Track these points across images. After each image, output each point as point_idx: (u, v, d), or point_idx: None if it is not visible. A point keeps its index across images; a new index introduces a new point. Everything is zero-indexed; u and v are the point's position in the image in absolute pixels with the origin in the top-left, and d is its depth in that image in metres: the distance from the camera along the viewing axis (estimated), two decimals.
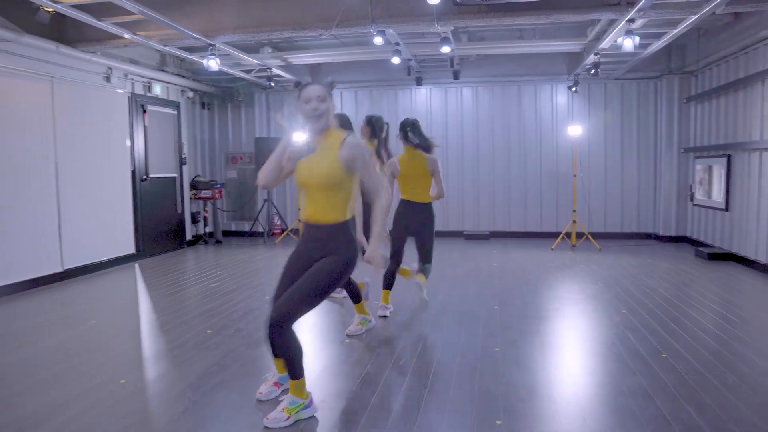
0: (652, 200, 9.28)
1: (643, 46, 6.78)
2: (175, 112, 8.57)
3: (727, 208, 7.48)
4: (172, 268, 7.07)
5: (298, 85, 2.88)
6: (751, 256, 6.79)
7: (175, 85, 8.55)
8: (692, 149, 8.56)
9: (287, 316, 2.65)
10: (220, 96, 9.87)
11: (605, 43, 6.39)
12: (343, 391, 3.18)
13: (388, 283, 4.68)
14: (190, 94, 8.90)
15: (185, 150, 8.80)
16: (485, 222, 9.74)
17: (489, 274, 6.46)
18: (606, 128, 9.28)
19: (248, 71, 8.51)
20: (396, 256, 4.64)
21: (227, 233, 9.89)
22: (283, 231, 9.80)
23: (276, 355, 2.87)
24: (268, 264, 7.31)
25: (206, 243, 9.13)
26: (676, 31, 5.83)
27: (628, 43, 5.33)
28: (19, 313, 4.97)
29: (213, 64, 6.20)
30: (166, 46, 6.35)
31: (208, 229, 9.40)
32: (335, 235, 2.75)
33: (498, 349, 3.84)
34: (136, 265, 7.19)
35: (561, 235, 8.69)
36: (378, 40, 5.94)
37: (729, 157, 7.41)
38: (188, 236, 8.91)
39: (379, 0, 5.42)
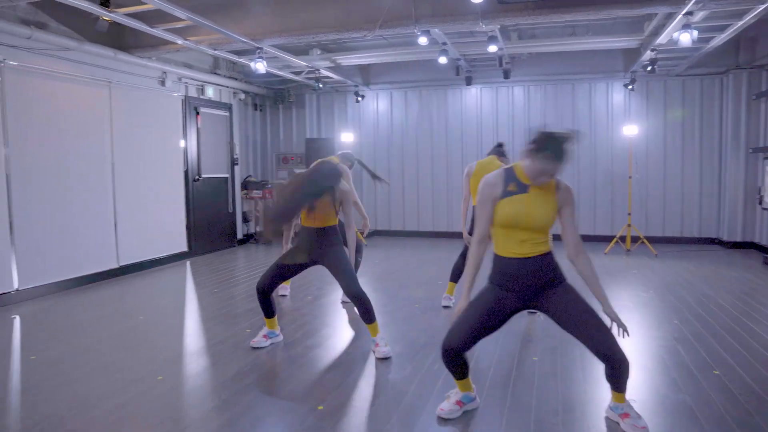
0: (715, 203, 8.76)
1: (704, 40, 6.41)
2: (227, 113, 8.81)
3: None
4: (221, 266, 7.26)
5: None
6: None
7: (227, 87, 8.78)
8: (762, 149, 8.02)
9: None
10: (271, 97, 10.07)
11: (662, 38, 6.07)
12: (363, 398, 3.16)
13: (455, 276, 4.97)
14: (242, 95, 9.12)
15: (237, 151, 9.02)
16: None
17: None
18: (666, 127, 8.84)
19: (297, 73, 8.62)
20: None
21: (276, 233, 10.07)
22: None
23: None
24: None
25: (257, 242, 9.33)
26: (741, 23, 5.46)
27: (686, 38, 5.04)
28: (77, 305, 5.23)
29: (260, 66, 6.31)
30: (215, 50, 6.51)
31: (258, 229, 9.60)
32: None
33: (536, 358, 3.72)
34: (188, 263, 7.44)
35: (615, 239, 8.35)
36: (423, 41, 5.88)
37: None
38: (239, 235, 9.13)
39: (423, 0, 5.35)
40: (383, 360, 3.68)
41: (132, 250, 6.70)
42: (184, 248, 7.71)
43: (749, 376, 3.38)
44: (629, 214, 8.25)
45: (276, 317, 4.00)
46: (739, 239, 8.42)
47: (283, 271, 3.84)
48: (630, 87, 8.46)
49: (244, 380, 3.35)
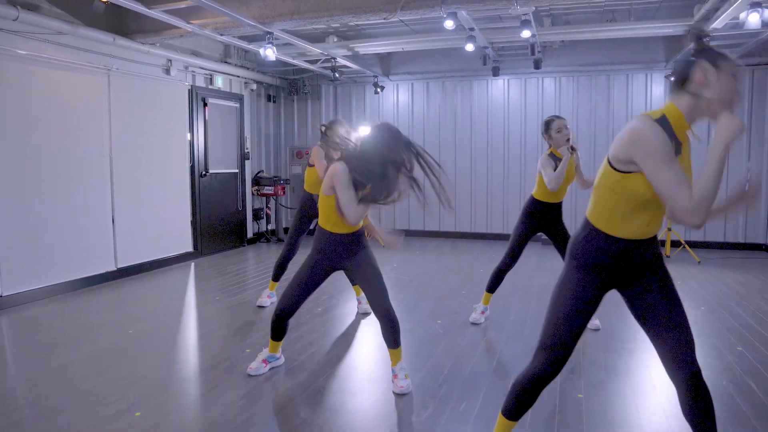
0: (764, 206, 8.04)
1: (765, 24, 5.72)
2: (238, 105, 8.31)
3: None
4: (228, 268, 6.78)
5: None
6: None
7: (239, 77, 8.28)
8: None
9: None
10: (286, 88, 9.55)
11: (719, 22, 5.40)
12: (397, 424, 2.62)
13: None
14: (254, 86, 8.61)
15: (248, 144, 8.53)
16: (568, 226, 8.83)
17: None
18: (709, 122, 8.10)
19: (313, 62, 8.10)
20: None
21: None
22: None
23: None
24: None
25: (268, 241, 8.85)
26: None
27: (754, 18, 4.39)
28: (63, 315, 4.77)
29: (270, 53, 5.79)
30: (222, 35, 5.99)
31: (270, 227, 9.12)
32: None
33: (581, 395, 3.14)
34: (192, 265, 6.97)
35: None
36: (449, 24, 5.30)
37: None
38: (249, 234, 8.66)
39: None
40: (402, 396, 3.14)
41: (131, 251, 6.24)
42: (190, 248, 7.24)
43: None
44: (669, 218, 7.57)
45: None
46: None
47: (309, 289, 3.26)
48: (672, 78, 7.75)
49: (236, 418, 2.83)
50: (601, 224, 1.99)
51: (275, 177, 9.01)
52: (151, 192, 6.55)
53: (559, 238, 4.26)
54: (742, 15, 4.54)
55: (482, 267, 6.77)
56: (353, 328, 4.45)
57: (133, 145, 6.28)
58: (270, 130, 9.63)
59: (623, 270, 2.02)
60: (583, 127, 8.55)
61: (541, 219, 4.25)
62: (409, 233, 9.46)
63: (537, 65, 7.89)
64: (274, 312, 3.30)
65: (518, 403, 2.18)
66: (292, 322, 4.36)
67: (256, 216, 8.84)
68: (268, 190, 8.76)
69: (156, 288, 5.84)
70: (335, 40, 7.69)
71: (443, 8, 4.91)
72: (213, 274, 6.47)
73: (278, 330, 3.35)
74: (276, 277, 4.92)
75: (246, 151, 8.44)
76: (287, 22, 5.42)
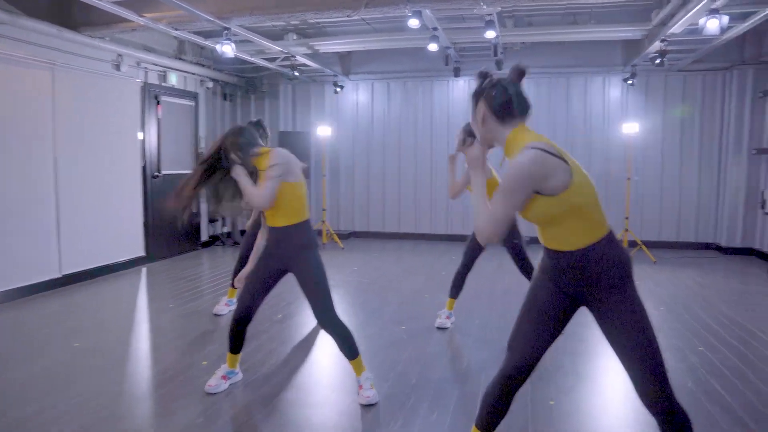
0: (714, 207, 8.29)
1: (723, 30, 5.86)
2: (193, 103, 8.00)
3: None
4: (182, 274, 6.49)
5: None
6: None
7: (194, 74, 7.97)
8: (766, 150, 7.55)
9: None
10: (242, 87, 9.27)
11: (677, 27, 5.49)
12: None
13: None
14: (210, 84, 8.30)
15: (203, 144, 8.22)
16: (524, 227, 8.89)
17: None
18: (664, 126, 8.31)
19: (271, 60, 7.87)
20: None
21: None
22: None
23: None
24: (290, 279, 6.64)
25: (223, 244, 8.56)
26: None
27: (713, 24, 4.46)
28: (1, 327, 4.43)
29: (228, 50, 5.56)
30: (177, 29, 5.73)
31: (225, 230, 8.83)
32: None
33: (553, 402, 3.08)
34: (144, 270, 6.64)
35: None
36: (413, 23, 5.20)
37: None
38: (204, 237, 8.35)
39: None
40: (369, 407, 3.01)
41: (78, 257, 5.88)
42: (141, 253, 6.91)
43: None
44: (627, 218, 7.71)
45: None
46: (738, 245, 7.96)
47: (260, 291, 3.06)
48: (630, 82, 7.91)
49: None
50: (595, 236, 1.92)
51: None
52: (100, 194, 6.20)
53: (511, 242, 4.19)
54: (702, 21, 4.61)
55: (444, 269, 6.71)
56: (314, 335, 4.29)
57: (80, 145, 5.93)
58: (225, 129, 9.30)
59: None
60: (542, 130, 8.56)
61: None
62: (369, 235, 9.35)
63: (499, 66, 7.89)
64: (232, 320, 3.12)
65: (491, 414, 2.09)
66: (251, 330, 4.15)
67: (212, 218, 8.54)
68: None
69: (104, 296, 5.52)
70: (295, 37, 7.50)
71: (409, 6, 4.81)
72: (166, 279, 6.18)
73: (236, 340, 3.16)
74: (234, 284, 4.70)
75: (201, 151, 8.13)
76: (246, 17, 5.23)
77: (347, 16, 5.13)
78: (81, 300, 5.30)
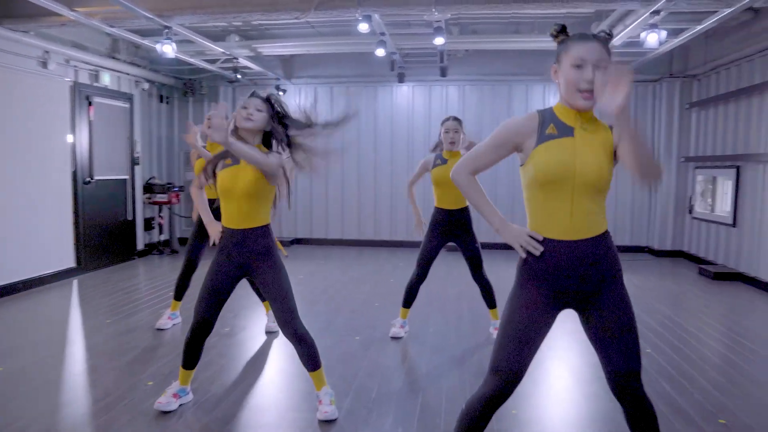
0: (646, 211, 8.70)
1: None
2: (128, 105, 7.58)
3: (734, 224, 6.91)
4: (117, 286, 6.11)
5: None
6: (763, 277, 6.23)
7: (128, 74, 7.56)
8: (693, 159, 8.00)
9: None
10: (180, 89, 8.89)
11: (617, 40, 5.71)
12: None
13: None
14: (146, 85, 7.90)
15: (138, 148, 7.81)
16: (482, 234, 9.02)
17: (481, 299, 5.70)
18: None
19: (212, 61, 7.59)
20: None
21: (183, 241, 8.88)
22: None
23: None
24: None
25: (161, 253, 8.15)
26: (700, 27, 5.18)
27: (653, 39, 4.66)
28: None
29: (168, 50, 5.29)
30: (112, 26, 5.40)
31: (162, 237, 8.42)
32: None
33: (515, 412, 3.07)
34: (75, 282, 6.21)
35: None
36: (363, 27, 5.13)
37: (738, 169, 6.83)
38: (140, 245, 7.92)
39: None
40: (328, 423, 2.89)
41: (1, 270, 5.42)
42: (72, 263, 6.46)
43: (756, 422, 2.92)
44: None
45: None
46: (668, 248, 8.38)
47: (221, 295, 2.86)
48: None
49: None
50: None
51: (168, 184, 8.34)
52: (26, 200, 5.74)
53: (467, 247, 4.19)
54: (642, 35, 4.80)
55: (392, 276, 6.66)
56: (266, 348, 4.12)
57: (2, 148, 5.47)
58: (162, 132, 8.91)
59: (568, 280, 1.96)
60: (485, 135, 8.73)
61: (447, 228, 4.15)
62: (312, 242, 9.18)
63: (443, 73, 7.96)
64: (189, 332, 2.91)
65: (471, 429, 2.02)
66: None
67: (148, 226, 8.12)
68: (161, 197, 8.08)
69: (32, 312, 5.10)
70: (237, 39, 7.26)
71: (360, 10, 4.73)
72: (100, 293, 5.79)
73: (191, 354, 2.95)
74: (178, 296, 4.46)
75: (136, 155, 7.72)
76: (188, 16, 4.99)
77: (295, 18, 5.00)
78: (6, 317, 4.86)
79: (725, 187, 7.23)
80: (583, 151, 1.87)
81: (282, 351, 4.05)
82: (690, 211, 8.10)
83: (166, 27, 5.17)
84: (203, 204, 3.07)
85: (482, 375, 3.36)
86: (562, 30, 1.98)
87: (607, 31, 2.05)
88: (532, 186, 1.92)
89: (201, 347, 2.95)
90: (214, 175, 2.82)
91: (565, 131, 1.90)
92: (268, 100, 2.87)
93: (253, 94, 2.91)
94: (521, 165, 1.97)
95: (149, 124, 8.38)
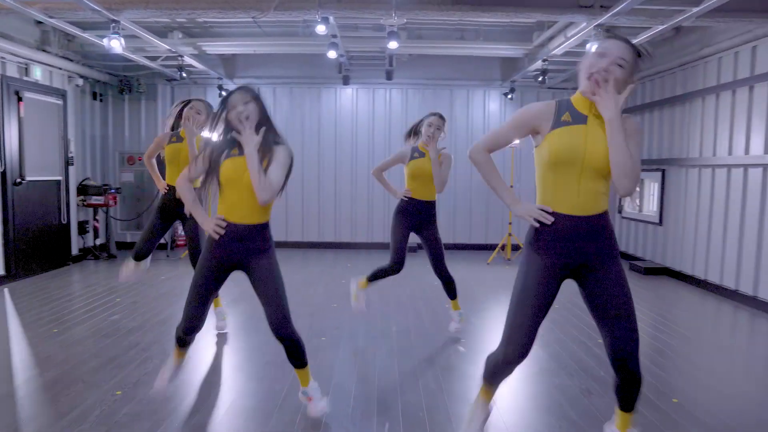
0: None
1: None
2: (61, 102, 7.15)
3: (660, 222, 7.47)
4: (57, 293, 5.75)
5: None
6: (687, 271, 6.78)
7: (61, 69, 7.13)
8: None
9: None
10: (115, 86, 8.48)
11: (559, 50, 6.04)
12: None
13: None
14: (80, 81, 7.48)
15: (73, 148, 7.39)
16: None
17: (435, 297, 5.85)
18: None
19: (153, 58, 7.30)
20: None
21: (122, 245, 8.49)
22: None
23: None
24: (177, 285, 6.19)
25: (97, 258, 7.74)
26: (636, 41, 5.56)
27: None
28: None
29: (116, 44, 5.05)
30: (51, 17, 5.09)
31: (98, 242, 8.00)
32: None
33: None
34: (6, 291, 5.78)
35: (497, 248, 8.34)
36: (321, 29, 5.15)
37: (663, 172, 7.40)
38: (74, 251, 7.49)
39: None
40: (318, 423, 2.89)
41: None
42: (1, 271, 6.02)
43: (703, 399, 3.21)
44: (510, 223, 8.28)
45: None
46: None
47: (211, 293, 2.78)
48: (509, 96, 8.52)
49: None
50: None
51: (104, 185, 7.94)
52: None
53: (431, 238, 4.29)
54: (588, 46, 5.11)
55: (343, 278, 6.69)
56: (219, 356, 4.04)
57: None
58: (96, 132, 8.46)
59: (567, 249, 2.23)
60: None
61: (416, 218, 4.26)
62: None
63: (389, 76, 8.07)
64: (181, 331, 2.82)
65: (495, 380, 2.39)
66: (159, 355, 3.80)
67: (82, 230, 7.69)
68: (96, 200, 7.68)
69: None
70: (180, 36, 7.04)
71: (319, 12, 4.74)
72: (39, 301, 5.42)
73: (184, 344, 2.97)
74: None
75: (70, 155, 7.30)
76: (140, 11, 4.80)
77: (252, 18, 4.94)
78: None
79: (652, 189, 7.80)
80: (594, 138, 2.09)
81: (237, 356, 3.99)
82: (620, 211, 8.66)
83: (114, 21, 4.95)
84: (193, 198, 2.76)
85: (452, 371, 3.48)
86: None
87: (646, 50, 2.31)
88: (545, 166, 2.16)
89: (191, 342, 2.97)
90: (213, 166, 2.66)
91: (579, 119, 2.13)
92: (252, 94, 2.74)
93: (230, 94, 2.76)
94: (536, 146, 2.22)
95: (82, 122, 7.94)
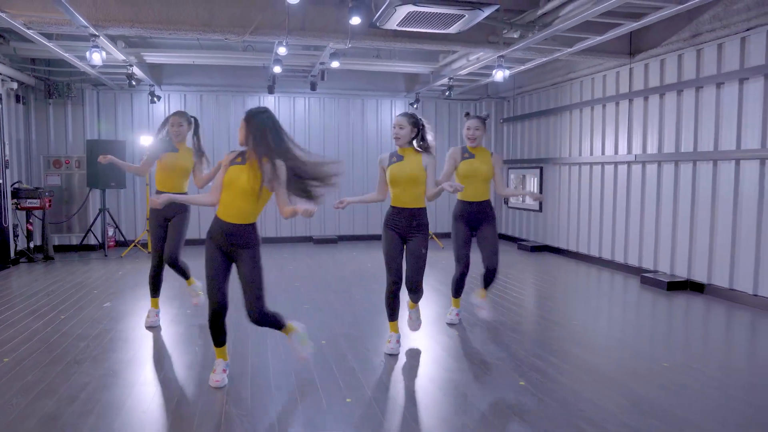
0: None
1: (486, 75, 8.09)
2: None
3: (540, 209, 9.26)
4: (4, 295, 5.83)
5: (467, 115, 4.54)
6: (563, 246, 8.59)
7: None
8: (507, 161, 10.31)
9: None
10: (41, 90, 8.53)
11: (466, 70, 7.48)
12: None
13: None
14: (14, 85, 7.55)
15: (8, 152, 7.46)
16: (331, 227, 10.26)
17: (369, 281, 6.94)
18: (437, 140, 10.52)
19: (93, 65, 7.60)
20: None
21: (61, 249, 8.63)
22: (117, 243, 9.03)
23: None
24: (123, 285, 6.63)
25: (33, 261, 7.81)
26: (523, 67, 7.19)
27: (500, 75, 6.44)
28: None
29: (96, 57, 5.56)
30: (29, 29, 5.45)
31: (32, 244, 8.06)
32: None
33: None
34: None
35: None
36: (282, 51, 6.06)
37: (541, 169, 9.20)
38: (12, 254, 7.54)
39: (295, 12, 5.54)
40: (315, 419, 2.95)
41: None
42: None
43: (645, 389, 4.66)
44: None
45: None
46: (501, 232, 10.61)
47: (225, 276, 3.24)
48: (414, 105, 9.90)
49: None
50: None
51: (38, 188, 8.03)
52: None
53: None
54: (494, 72, 6.53)
55: (297, 281, 7.47)
56: (176, 345, 4.24)
57: None
58: (20, 136, 8.45)
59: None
60: (342, 142, 10.12)
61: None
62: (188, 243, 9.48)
63: (313, 87, 9.05)
64: (209, 318, 3.24)
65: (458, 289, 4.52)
66: (141, 356, 3.98)
67: (18, 233, 7.75)
68: (31, 203, 7.77)
69: None
70: (123, 46, 7.46)
71: (288, 37, 5.66)
72: None
73: (219, 334, 3.32)
74: (155, 292, 4.68)
75: (6, 158, 7.38)
76: (125, 28, 5.38)
77: (225, 39, 5.72)
78: None
79: (532, 183, 9.59)
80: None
81: (181, 350, 4.21)
82: (506, 203, 10.41)
83: (94, 35, 5.45)
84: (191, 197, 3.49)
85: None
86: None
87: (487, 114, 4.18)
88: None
89: (223, 326, 3.30)
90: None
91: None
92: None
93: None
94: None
95: (8, 125, 7.96)
